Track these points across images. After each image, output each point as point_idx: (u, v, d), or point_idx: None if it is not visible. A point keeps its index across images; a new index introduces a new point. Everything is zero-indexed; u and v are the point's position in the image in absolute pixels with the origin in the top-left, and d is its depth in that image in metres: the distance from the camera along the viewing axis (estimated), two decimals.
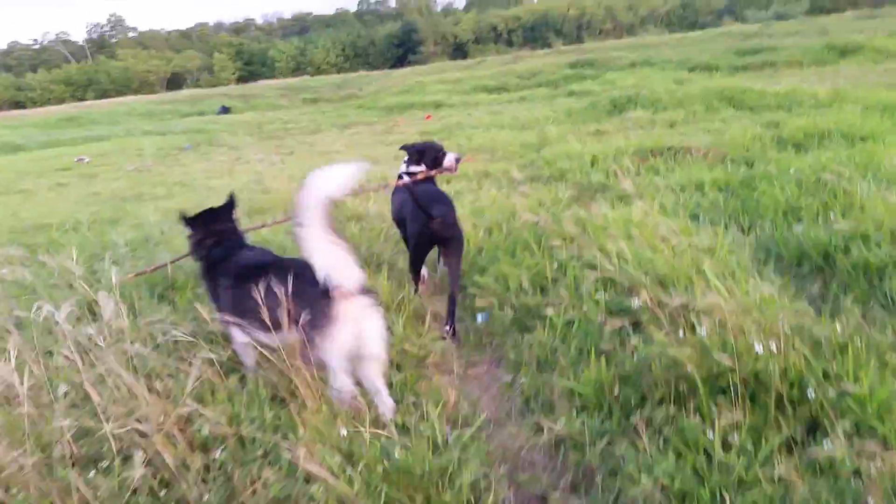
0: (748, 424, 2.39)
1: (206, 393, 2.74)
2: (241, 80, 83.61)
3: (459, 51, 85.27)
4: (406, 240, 4.25)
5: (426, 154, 4.39)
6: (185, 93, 47.21)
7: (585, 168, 7.01)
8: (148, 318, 3.30)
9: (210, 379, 2.78)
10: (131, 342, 2.63)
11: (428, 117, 16.47)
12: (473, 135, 10.81)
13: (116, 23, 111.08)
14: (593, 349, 2.99)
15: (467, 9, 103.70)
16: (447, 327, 3.72)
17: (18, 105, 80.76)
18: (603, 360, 2.90)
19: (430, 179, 4.36)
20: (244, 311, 2.69)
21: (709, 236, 3.95)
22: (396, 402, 2.89)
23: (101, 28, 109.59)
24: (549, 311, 3.40)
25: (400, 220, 4.31)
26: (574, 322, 3.30)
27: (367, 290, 2.62)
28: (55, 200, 8.67)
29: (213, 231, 3.22)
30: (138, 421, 2.31)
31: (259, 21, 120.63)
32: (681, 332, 2.78)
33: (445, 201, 3.99)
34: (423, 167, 4.34)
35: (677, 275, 3.34)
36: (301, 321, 2.50)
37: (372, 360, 2.69)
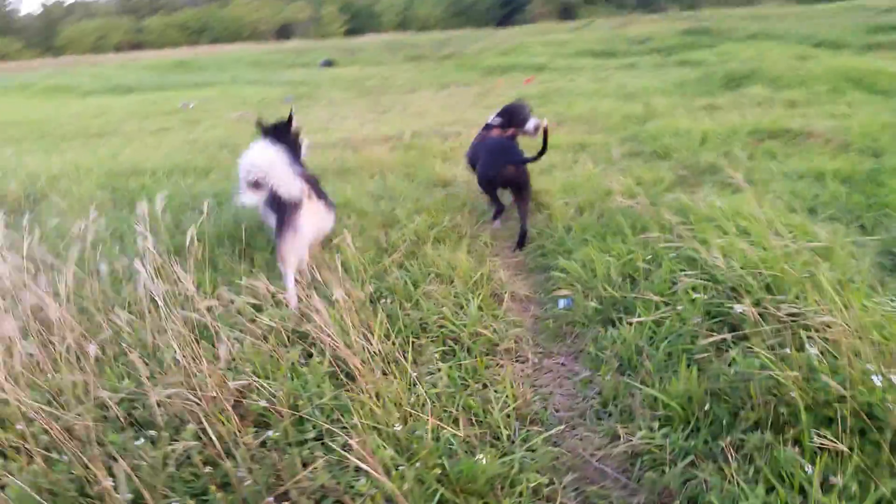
0: (855, 464, 2.08)
1: (268, 364, 2.67)
2: (348, 32, 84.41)
3: (567, 12, 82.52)
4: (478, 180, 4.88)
5: (511, 113, 5.13)
6: (292, 44, 48.09)
7: (693, 147, 6.52)
8: (223, 276, 3.27)
9: (273, 349, 2.71)
10: (198, 304, 2.57)
11: (528, 80, 15.99)
12: (574, 102, 10.35)
13: None
14: (684, 356, 2.72)
15: None
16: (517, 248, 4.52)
17: (136, 47, 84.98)
18: (694, 369, 2.63)
19: (512, 136, 5.04)
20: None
21: (826, 235, 3.54)
22: (465, 386, 2.76)
23: None
24: (638, 307, 3.14)
25: (473, 163, 5.06)
26: (665, 322, 3.01)
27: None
28: (155, 145, 8.92)
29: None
30: (193, 389, 2.25)
31: None
32: (787, 349, 2.47)
33: (513, 152, 4.65)
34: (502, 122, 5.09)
35: (788, 280, 2.99)
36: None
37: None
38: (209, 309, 2.69)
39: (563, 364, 3.15)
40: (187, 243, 2.91)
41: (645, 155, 6.56)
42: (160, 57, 36.18)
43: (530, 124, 5.02)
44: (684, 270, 3.25)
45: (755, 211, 3.80)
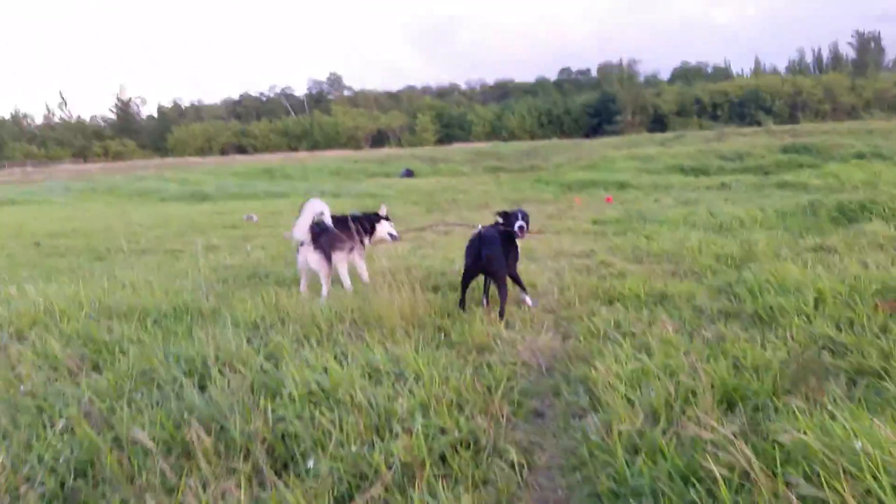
0: None
1: None
2: (439, 141, 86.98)
3: (658, 123, 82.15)
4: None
5: (507, 217, 5.97)
6: (382, 152, 49.26)
7: (807, 309, 5.05)
8: None
9: None
10: None
11: (608, 199, 14.84)
12: (655, 233, 9.04)
13: (334, 81, 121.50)
14: None
15: (672, 80, 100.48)
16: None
17: (242, 150, 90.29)
18: None
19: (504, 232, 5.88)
20: None
21: None
22: None
23: (321, 84, 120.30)
24: None
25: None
26: None
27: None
28: (184, 270, 8.20)
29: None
30: None
31: (463, 86, 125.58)
32: None
33: (494, 244, 5.63)
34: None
35: None
36: None
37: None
38: None
39: None
40: None
41: (743, 318, 5.11)
42: (254, 162, 37.48)
43: (519, 224, 5.86)
44: None
45: None
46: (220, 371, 4.06)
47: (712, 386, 3.60)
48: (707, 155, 23.86)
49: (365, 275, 6.84)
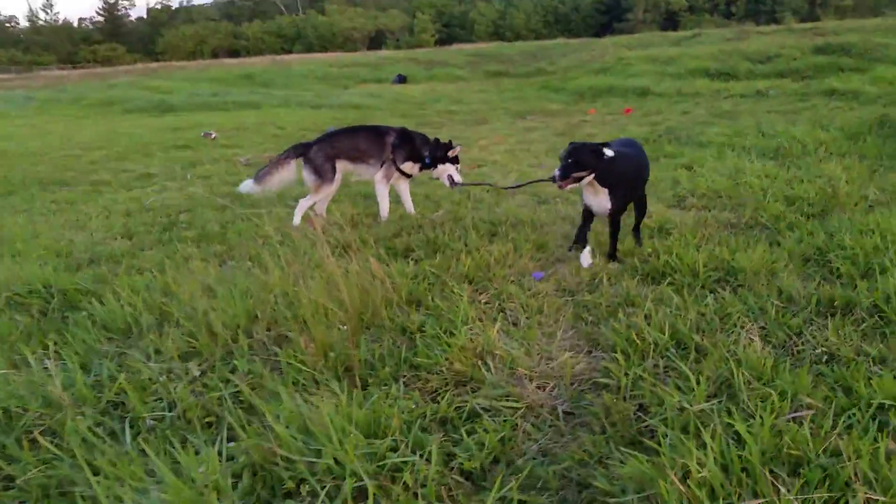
0: None
1: None
2: (439, 42, 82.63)
3: (670, 21, 77.42)
4: None
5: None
6: (377, 54, 46.11)
7: None
8: None
9: None
10: None
11: (628, 111, 12.78)
12: (698, 160, 7.14)
13: None
14: None
15: None
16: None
17: (234, 53, 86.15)
18: None
19: None
20: None
21: None
22: None
23: None
24: None
25: None
26: None
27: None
28: (105, 210, 6.45)
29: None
30: None
31: None
32: None
33: None
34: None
35: None
36: None
37: None
38: None
39: None
40: None
41: (857, 315, 3.35)
42: (237, 66, 34.78)
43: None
44: None
45: None
46: None
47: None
48: (732, 56, 21.35)
49: (409, 205, 6.02)
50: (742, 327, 3.31)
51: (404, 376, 3.03)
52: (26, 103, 22.26)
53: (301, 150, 5.58)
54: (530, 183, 5.44)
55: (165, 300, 3.73)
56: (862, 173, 6.09)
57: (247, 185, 5.54)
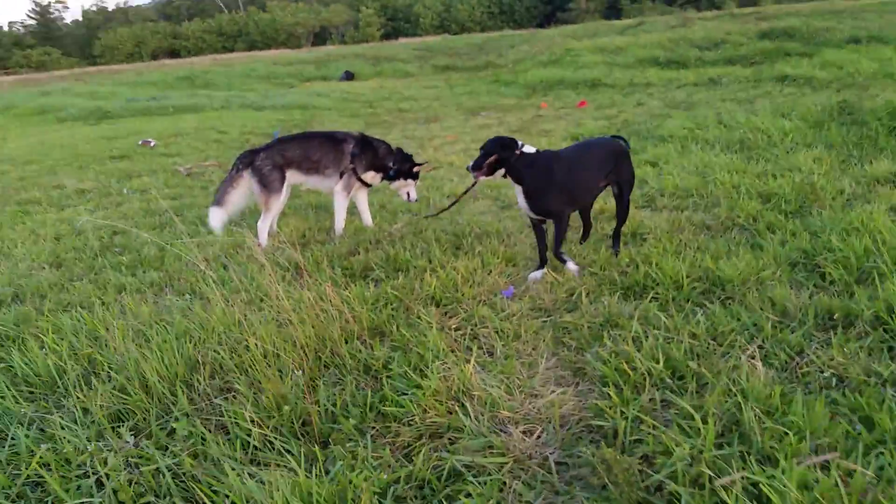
0: None
1: None
2: (385, 36, 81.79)
3: (613, 9, 78.05)
4: None
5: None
6: (321, 50, 45.19)
7: None
8: None
9: None
10: None
11: (582, 104, 12.56)
12: (662, 156, 6.88)
13: None
14: None
15: None
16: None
17: (174, 54, 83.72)
18: None
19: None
20: None
21: None
22: None
23: None
24: None
25: None
26: None
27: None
28: (33, 234, 5.86)
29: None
30: None
31: None
32: None
33: None
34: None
35: None
36: None
37: None
38: None
39: None
40: None
41: (860, 329, 3.09)
42: (177, 67, 33.56)
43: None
44: None
45: None
46: None
47: None
48: (679, 44, 21.41)
49: (367, 216, 5.63)
50: (740, 348, 3.03)
51: (372, 428, 2.65)
52: None
53: (249, 159, 5.11)
54: (466, 193, 4.92)
55: (94, 346, 3.26)
56: (833, 165, 5.92)
57: (215, 216, 5.04)
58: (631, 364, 2.89)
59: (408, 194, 5.49)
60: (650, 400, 2.72)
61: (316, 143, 5.27)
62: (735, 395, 2.60)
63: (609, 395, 2.71)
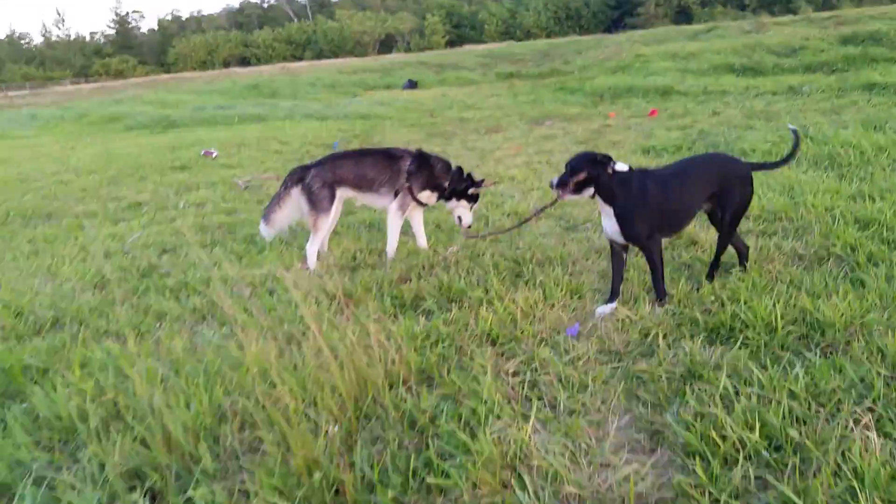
0: None
1: None
2: (450, 43, 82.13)
3: (683, 14, 76.15)
4: None
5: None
6: (386, 59, 45.48)
7: None
8: None
9: None
10: None
11: (653, 113, 11.97)
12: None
13: None
14: None
15: None
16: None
17: (245, 61, 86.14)
18: None
19: None
20: None
21: None
22: None
23: None
24: None
25: None
26: None
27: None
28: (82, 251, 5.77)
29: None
30: None
31: None
32: None
33: None
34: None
35: None
36: None
37: None
38: None
39: None
40: None
41: None
42: (246, 75, 34.22)
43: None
44: None
45: None
46: None
47: None
48: (755, 50, 20.39)
49: (422, 239, 5.29)
50: (848, 412, 2.54)
51: (413, 501, 2.30)
52: (31, 122, 21.81)
53: (299, 175, 4.87)
54: (541, 211, 4.50)
55: (120, 386, 3.02)
56: None
57: (264, 230, 4.96)
58: (720, 430, 2.45)
59: (459, 218, 5.12)
60: (743, 477, 2.28)
61: (370, 160, 4.99)
62: (846, 477, 2.15)
63: (694, 471, 2.28)
